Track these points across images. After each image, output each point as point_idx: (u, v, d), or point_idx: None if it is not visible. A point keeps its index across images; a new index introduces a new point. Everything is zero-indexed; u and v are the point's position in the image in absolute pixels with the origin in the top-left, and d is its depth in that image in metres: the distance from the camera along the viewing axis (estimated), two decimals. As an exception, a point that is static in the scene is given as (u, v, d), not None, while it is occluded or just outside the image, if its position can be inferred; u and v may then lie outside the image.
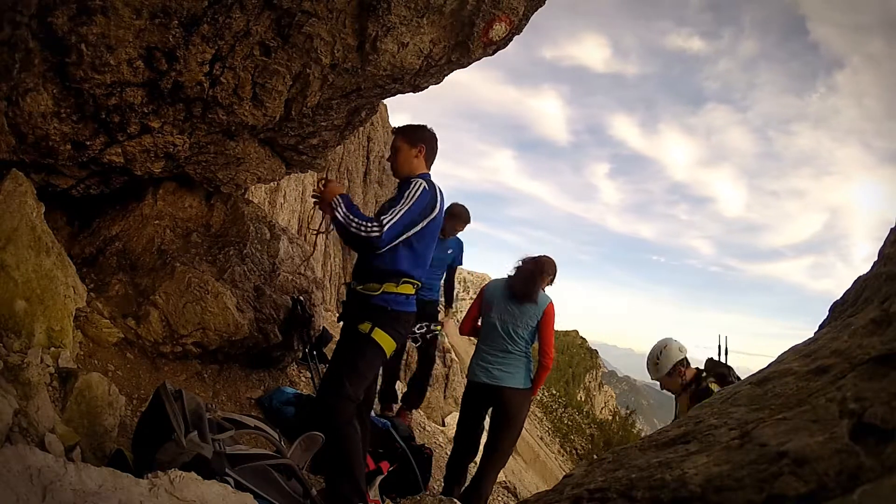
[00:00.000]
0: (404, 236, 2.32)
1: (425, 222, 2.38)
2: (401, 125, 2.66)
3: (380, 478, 3.01)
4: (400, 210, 2.29)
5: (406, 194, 2.34)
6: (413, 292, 2.47)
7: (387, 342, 2.36)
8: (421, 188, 2.37)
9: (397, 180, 2.59)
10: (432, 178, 2.54)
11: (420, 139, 2.53)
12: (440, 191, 2.48)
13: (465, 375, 3.37)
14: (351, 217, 2.25)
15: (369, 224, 2.23)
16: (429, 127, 2.60)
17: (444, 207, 2.55)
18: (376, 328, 2.34)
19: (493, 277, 3.48)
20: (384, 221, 2.24)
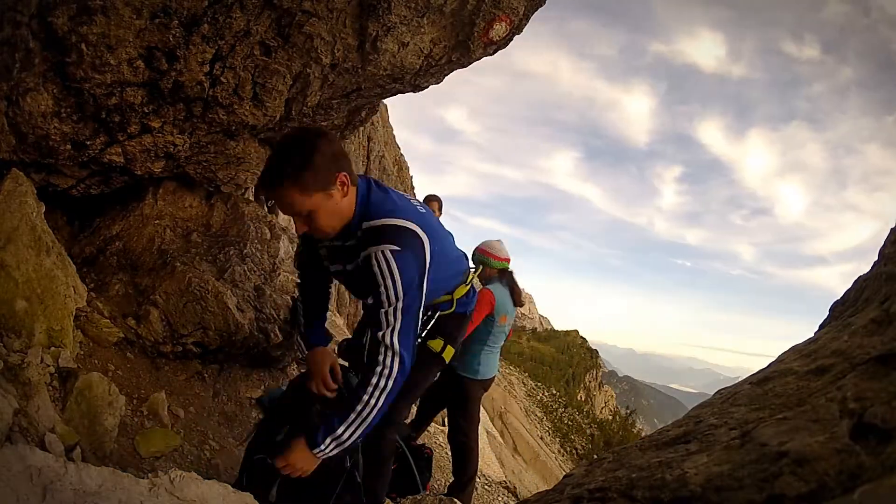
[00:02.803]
0: (419, 316, 1.61)
1: (427, 274, 1.61)
2: (276, 175, 1.49)
3: None
4: (392, 311, 1.53)
5: (380, 280, 1.52)
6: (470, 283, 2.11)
7: (451, 357, 2.06)
8: (390, 255, 1.52)
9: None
10: (372, 183, 1.70)
11: (332, 167, 1.52)
12: (424, 228, 1.63)
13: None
14: (363, 410, 1.52)
15: (382, 369, 1.52)
16: (314, 135, 1.53)
17: (433, 236, 1.68)
18: (448, 346, 2.01)
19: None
20: (389, 341, 1.52)
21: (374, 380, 1.52)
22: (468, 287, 2.07)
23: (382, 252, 1.52)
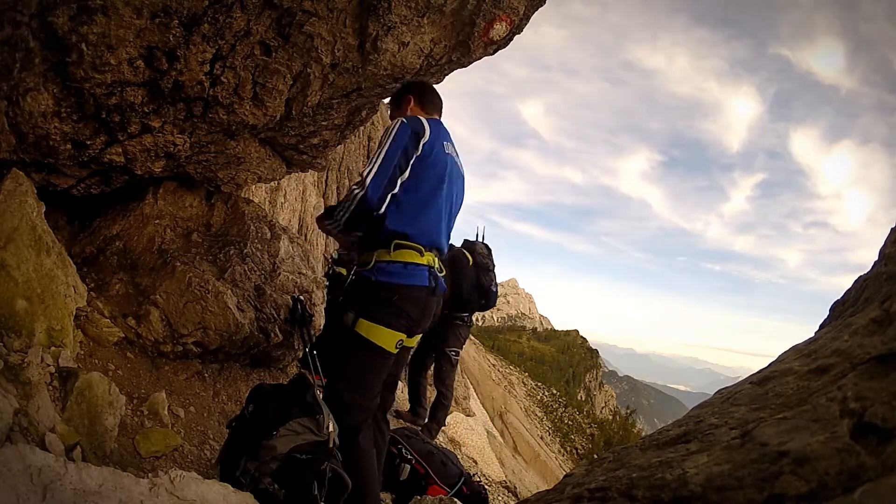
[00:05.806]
0: (398, 185, 1.94)
1: (412, 162, 1.96)
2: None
3: None
4: (377, 156, 1.93)
5: (380, 140, 1.98)
6: (421, 261, 1.97)
7: (380, 336, 1.89)
8: (396, 124, 1.98)
9: None
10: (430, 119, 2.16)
11: (403, 95, 2.30)
12: (432, 123, 2.06)
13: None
14: (334, 208, 1.98)
15: (350, 193, 1.92)
16: (412, 81, 2.47)
17: (446, 140, 2.11)
18: (360, 319, 1.91)
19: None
20: (363, 174, 1.90)
21: (345, 200, 1.95)
22: (391, 255, 1.94)
23: (395, 121, 2.05)
